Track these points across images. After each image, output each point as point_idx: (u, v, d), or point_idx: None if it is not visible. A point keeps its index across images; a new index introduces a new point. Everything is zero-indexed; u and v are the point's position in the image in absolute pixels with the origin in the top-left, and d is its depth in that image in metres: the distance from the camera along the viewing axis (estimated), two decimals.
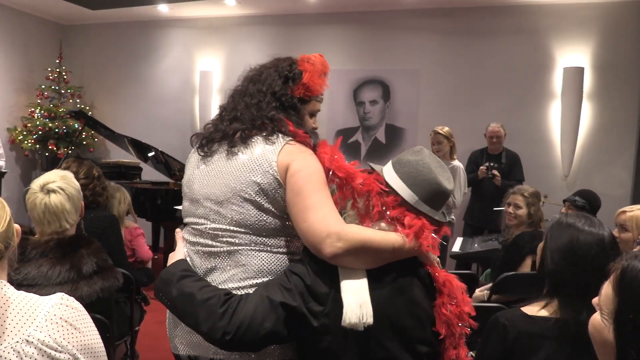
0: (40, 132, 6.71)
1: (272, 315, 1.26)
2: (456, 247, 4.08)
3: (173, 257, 1.47)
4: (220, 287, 1.37)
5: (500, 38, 5.69)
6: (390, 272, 1.34)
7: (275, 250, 1.42)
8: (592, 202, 3.51)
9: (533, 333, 1.46)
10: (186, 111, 6.88)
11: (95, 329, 1.16)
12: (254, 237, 1.40)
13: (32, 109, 6.84)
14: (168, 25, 6.93)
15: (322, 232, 1.29)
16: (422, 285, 1.38)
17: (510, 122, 5.30)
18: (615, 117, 5.36)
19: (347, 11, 6.19)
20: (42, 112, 6.81)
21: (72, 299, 1.14)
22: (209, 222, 1.43)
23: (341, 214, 1.39)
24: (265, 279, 1.38)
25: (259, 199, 1.38)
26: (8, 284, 1.08)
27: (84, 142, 6.90)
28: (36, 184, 2.03)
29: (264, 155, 1.40)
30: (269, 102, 1.49)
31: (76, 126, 6.67)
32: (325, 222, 1.30)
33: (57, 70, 6.99)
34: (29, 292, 1.12)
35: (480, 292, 3.06)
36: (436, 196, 1.42)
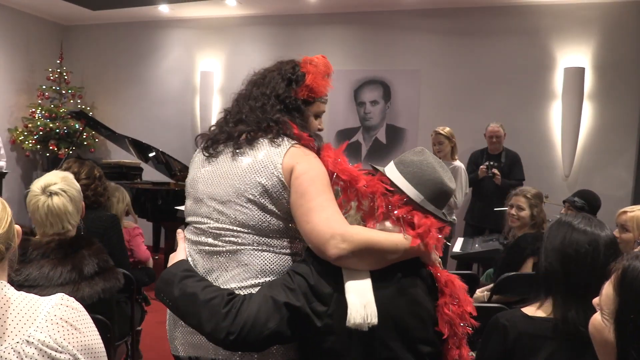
0: (41, 133, 6.71)
1: (276, 316, 1.26)
2: (457, 247, 4.08)
3: (174, 258, 1.46)
4: (222, 287, 1.37)
5: (501, 38, 5.69)
6: (393, 273, 1.35)
7: (278, 250, 1.42)
8: (592, 202, 3.50)
9: (533, 334, 1.46)
10: (187, 111, 6.88)
11: (96, 329, 1.16)
12: (256, 237, 1.40)
13: (33, 110, 6.85)
14: (169, 25, 6.94)
15: (326, 233, 1.29)
16: (424, 286, 1.39)
17: (511, 122, 5.30)
18: (616, 117, 5.36)
19: (347, 11, 6.19)
20: (43, 112, 6.82)
21: (72, 299, 1.14)
22: (212, 222, 1.43)
23: (345, 217, 1.40)
24: (267, 279, 1.38)
25: (263, 200, 1.39)
26: (8, 285, 1.09)
27: (85, 143, 6.91)
28: (37, 185, 2.02)
29: (270, 157, 1.40)
30: (273, 104, 1.50)
31: (77, 126, 6.67)
32: (329, 223, 1.30)
33: (58, 70, 7.00)
34: (30, 293, 1.12)
35: (481, 292, 3.05)
36: (440, 196, 1.43)
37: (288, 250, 1.43)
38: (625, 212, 2.57)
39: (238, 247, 1.40)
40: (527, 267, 2.96)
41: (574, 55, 5.46)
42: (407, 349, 1.31)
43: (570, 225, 1.51)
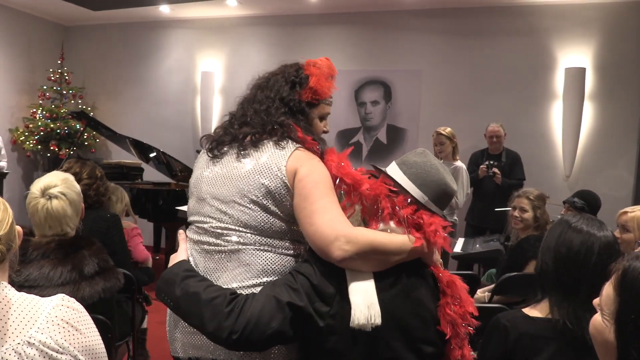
0: (42, 133, 6.72)
1: (278, 315, 1.26)
2: (458, 247, 4.07)
3: (175, 258, 1.46)
4: (223, 286, 1.37)
5: (502, 38, 5.68)
6: (395, 273, 1.35)
7: (280, 251, 1.42)
8: (592, 202, 3.50)
9: (534, 334, 1.46)
10: (187, 112, 6.89)
11: (96, 329, 1.16)
12: (259, 238, 1.40)
13: (34, 110, 6.86)
14: (169, 26, 6.94)
15: (330, 235, 1.29)
16: (426, 286, 1.39)
17: (512, 122, 5.30)
18: (617, 117, 5.36)
19: (348, 12, 6.19)
20: (44, 112, 6.83)
21: (72, 300, 1.14)
22: (214, 221, 1.44)
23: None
24: (269, 279, 1.38)
25: (266, 201, 1.39)
26: (9, 286, 1.09)
27: (86, 143, 6.92)
28: (36, 187, 2.00)
29: (274, 160, 1.41)
30: (278, 107, 1.52)
31: (78, 127, 6.68)
32: (333, 225, 1.31)
33: (59, 71, 7.01)
34: (31, 293, 1.12)
35: (482, 292, 3.05)
36: (444, 197, 1.45)
37: (290, 251, 1.43)
38: (626, 212, 2.57)
39: (240, 247, 1.40)
40: (530, 269, 2.94)
41: (575, 55, 5.45)
42: (410, 349, 1.32)
43: (567, 224, 1.51)
